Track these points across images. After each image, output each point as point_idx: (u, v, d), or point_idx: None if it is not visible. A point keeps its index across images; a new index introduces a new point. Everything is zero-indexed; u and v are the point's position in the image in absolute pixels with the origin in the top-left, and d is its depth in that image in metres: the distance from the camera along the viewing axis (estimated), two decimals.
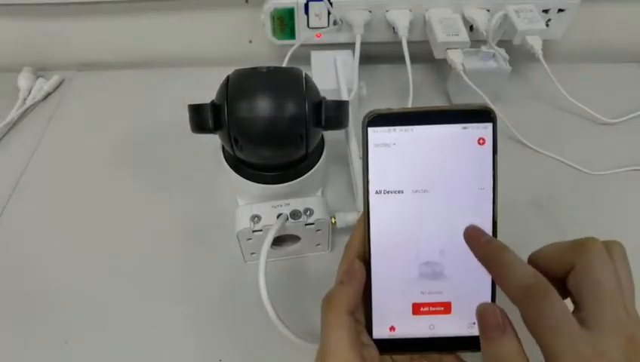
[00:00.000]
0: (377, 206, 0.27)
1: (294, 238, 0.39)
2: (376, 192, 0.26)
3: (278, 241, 0.40)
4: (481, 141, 0.26)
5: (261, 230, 0.36)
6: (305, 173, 0.40)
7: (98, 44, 0.61)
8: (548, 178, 0.48)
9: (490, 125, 0.26)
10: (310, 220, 0.37)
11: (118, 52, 0.62)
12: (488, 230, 0.26)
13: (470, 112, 0.26)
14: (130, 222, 0.44)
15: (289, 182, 0.40)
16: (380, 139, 0.26)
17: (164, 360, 0.36)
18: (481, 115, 0.26)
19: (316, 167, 0.41)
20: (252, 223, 0.36)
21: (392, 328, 0.27)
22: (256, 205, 0.37)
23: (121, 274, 0.40)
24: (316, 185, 0.45)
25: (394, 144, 0.26)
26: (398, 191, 0.26)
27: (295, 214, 0.36)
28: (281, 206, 0.37)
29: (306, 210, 0.37)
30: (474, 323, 0.26)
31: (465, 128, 0.26)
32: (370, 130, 0.26)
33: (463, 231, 0.26)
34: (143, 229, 0.43)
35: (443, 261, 0.27)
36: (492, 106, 0.26)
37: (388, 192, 0.26)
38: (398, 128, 0.26)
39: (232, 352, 0.36)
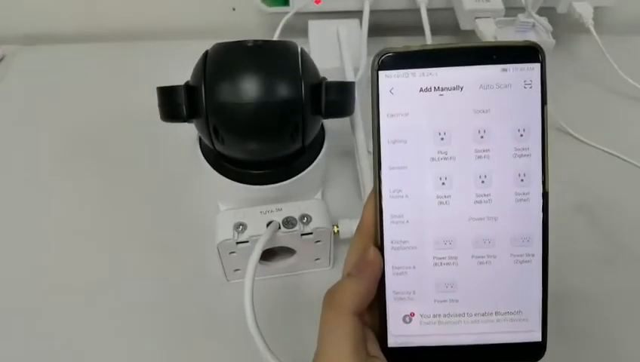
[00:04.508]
0: (391, 179, 0.25)
1: (288, 251, 0.39)
2: (389, 160, 0.25)
3: (269, 255, 0.40)
4: (525, 87, 0.25)
5: (247, 241, 0.36)
6: (301, 171, 0.41)
7: (48, 12, 0.61)
8: (599, 176, 0.48)
9: (537, 66, 0.25)
10: (307, 229, 0.37)
11: (74, 22, 0.62)
12: (537, 203, 0.25)
13: (511, 49, 0.25)
14: (87, 230, 0.44)
15: (281, 183, 0.40)
16: (395, 86, 0.25)
17: None
18: (526, 52, 0.25)
19: (315, 163, 0.41)
20: (236, 233, 0.36)
21: (411, 334, 0.26)
22: (242, 211, 0.37)
23: (71, 293, 0.40)
24: (315, 186, 0.45)
25: (413, 93, 0.25)
26: (418, 158, 0.25)
27: (289, 222, 0.36)
28: (271, 211, 0.37)
29: (303, 216, 0.37)
30: (519, 327, 0.26)
31: (505, 70, 0.25)
32: (382, 74, 0.25)
33: (502, 208, 0.25)
34: (102, 240, 0.43)
35: (478, 247, 0.26)
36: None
37: (405, 159, 0.25)
38: (417, 72, 0.25)
39: None
